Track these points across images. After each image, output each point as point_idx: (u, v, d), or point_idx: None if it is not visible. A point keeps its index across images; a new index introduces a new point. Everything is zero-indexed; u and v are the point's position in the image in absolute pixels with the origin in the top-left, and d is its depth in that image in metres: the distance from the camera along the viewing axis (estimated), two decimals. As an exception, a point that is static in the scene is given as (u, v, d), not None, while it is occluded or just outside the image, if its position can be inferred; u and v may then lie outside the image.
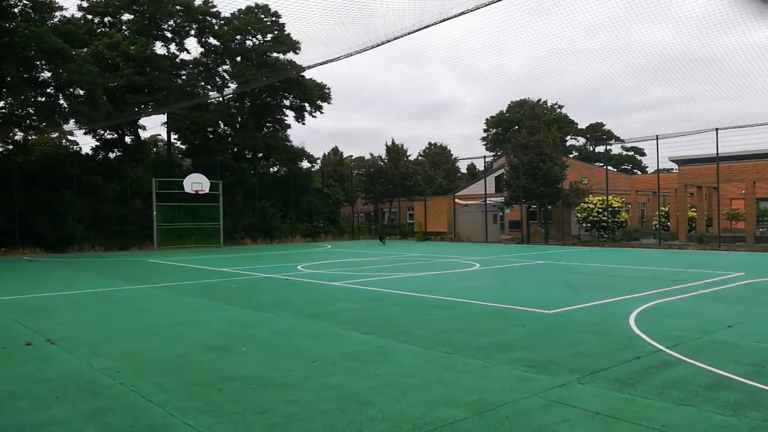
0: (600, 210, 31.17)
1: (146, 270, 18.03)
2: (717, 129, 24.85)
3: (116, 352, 6.68)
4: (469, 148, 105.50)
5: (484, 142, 69.27)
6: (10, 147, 29.09)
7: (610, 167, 42.54)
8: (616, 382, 5.25)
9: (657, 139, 26.91)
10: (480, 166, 51.90)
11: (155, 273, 17.01)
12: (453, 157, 64.84)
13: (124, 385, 5.31)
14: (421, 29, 14.55)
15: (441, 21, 13.87)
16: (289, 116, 37.75)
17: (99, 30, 32.05)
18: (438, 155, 66.66)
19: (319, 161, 46.32)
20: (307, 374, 5.62)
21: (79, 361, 6.25)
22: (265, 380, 5.44)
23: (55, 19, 28.15)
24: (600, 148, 55.22)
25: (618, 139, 52.62)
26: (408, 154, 52.83)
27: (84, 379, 5.58)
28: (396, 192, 41.58)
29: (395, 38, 15.73)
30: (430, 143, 72.59)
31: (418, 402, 4.75)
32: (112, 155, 33.14)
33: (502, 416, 4.40)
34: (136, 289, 12.95)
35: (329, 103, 37.03)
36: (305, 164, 40.18)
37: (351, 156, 68.47)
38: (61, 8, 27.77)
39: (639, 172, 64.17)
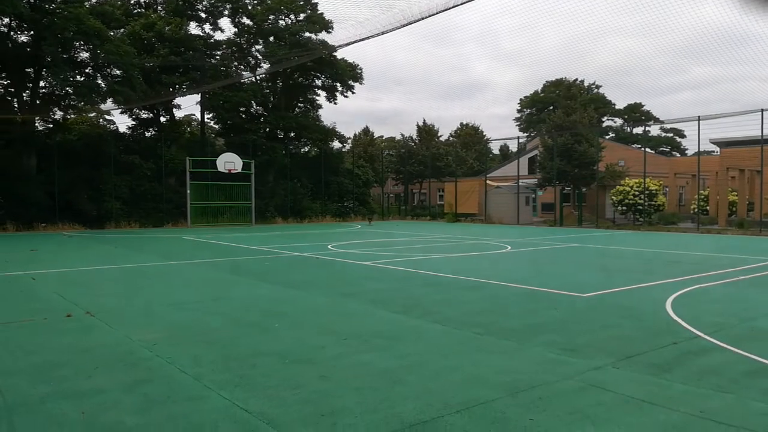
0: (636, 193, 30.45)
1: (180, 247, 18.41)
2: (762, 110, 23.93)
3: (152, 326, 6.84)
4: (502, 129, 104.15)
5: (518, 123, 68.29)
6: (51, 126, 29.87)
7: (648, 149, 41.45)
8: (653, 366, 5.15)
9: (699, 119, 26.05)
10: (513, 147, 51.21)
11: (189, 250, 17.35)
12: (485, 138, 64.04)
13: (161, 357, 5.44)
14: (455, 6, 14.28)
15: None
16: (321, 96, 37.82)
17: (135, 11, 32.46)
18: (470, 136, 65.95)
19: (349, 141, 46.38)
20: (338, 351, 5.66)
21: (118, 333, 6.43)
22: (298, 356, 5.50)
23: (93, 0, 28.63)
24: (638, 130, 53.83)
25: (657, 120, 51.07)
26: (439, 134, 52.42)
27: (123, 350, 5.73)
28: (426, 173, 41.38)
29: (429, 15, 15.50)
30: (462, 124, 71.83)
31: (450, 381, 4.75)
32: (147, 134, 33.78)
33: (536, 397, 4.36)
34: (171, 264, 13.23)
35: (361, 83, 36.90)
36: (336, 144, 40.31)
37: (382, 136, 68.32)
38: (98, -11, 28.21)
39: (678, 155, 62.41)
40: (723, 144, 32.00)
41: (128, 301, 8.58)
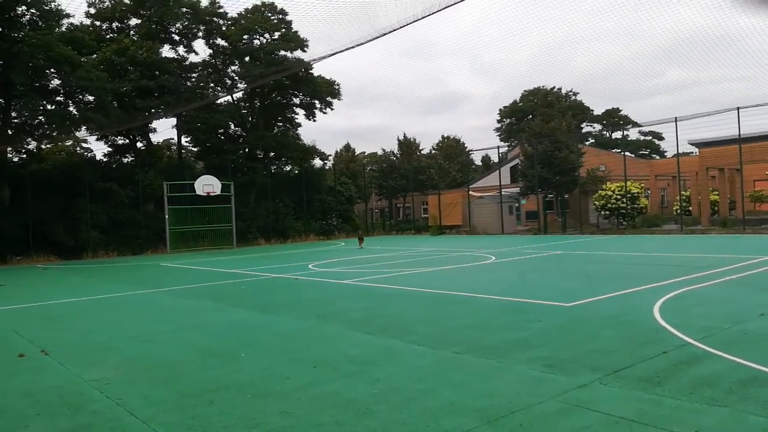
0: (618, 197, 30.40)
1: (156, 274, 17.86)
2: (738, 108, 24.03)
3: (111, 362, 6.38)
4: (483, 140, 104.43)
5: (498, 133, 68.50)
6: (24, 156, 29.22)
7: (627, 153, 41.64)
8: (642, 380, 4.80)
9: (676, 121, 26.14)
10: (494, 157, 51.26)
11: (165, 277, 16.81)
12: (467, 150, 64.10)
13: (111, 399, 4.99)
14: (426, 17, 14.12)
15: (446, 7, 13.43)
16: (300, 114, 37.52)
17: (108, 36, 32.03)
18: (452, 148, 65.98)
19: (330, 158, 46.04)
20: (306, 381, 5.25)
21: (70, 373, 5.96)
22: (261, 389, 5.08)
23: (63, 27, 28.17)
24: (617, 134, 54.14)
25: (635, 124, 51.29)
26: (421, 148, 52.27)
27: (70, 392, 5.27)
28: (409, 187, 41.12)
29: (401, 27, 15.33)
30: (443, 136, 71.91)
31: (422, 410, 4.35)
32: (125, 161, 33.19)
33: (516, 424, 3.98)
34: (144, 293, 12.71)
35: (339, 99, 36.66)
36: (317, 162, 39.94)
37: (363, 152, 68.11)
38: (68, 15, 27.70)
39: (657, 157, 62.87)
40: (701, 144, 32.11)
41: (89, 336, 8.09)
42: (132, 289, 13.63)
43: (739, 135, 24.46)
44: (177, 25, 32.71)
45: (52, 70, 25.83)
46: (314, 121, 37.22)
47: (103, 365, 6.22)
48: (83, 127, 28.19)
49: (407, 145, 48.13)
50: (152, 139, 34.61)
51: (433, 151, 64.46)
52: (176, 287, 13.66)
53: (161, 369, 5.96)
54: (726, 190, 31.65)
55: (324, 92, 35.45)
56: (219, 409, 4.60)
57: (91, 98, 27.29)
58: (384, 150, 49.74)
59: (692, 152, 35.34)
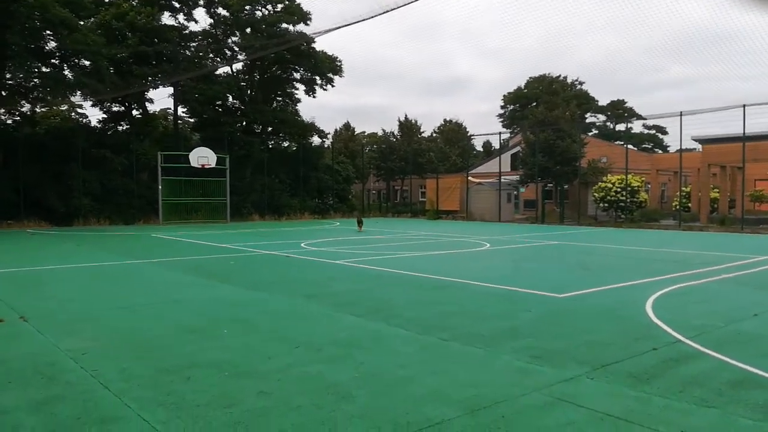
0: (618, 189, 30.22)
1: (147, 244, 17.69)
2: (744, 105, 23.79)
3: (90, 332, 6.23)
4: (485, 125, 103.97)
5: (501, 119, 68.01)
6: (18, 119, 28.82)
7: (630, 146, 41.40)
8: (630, 377, 4.68)
9: (681, 115, 25.87)
10: (495, 143, 50.97)
11: (155, 248, 16.64)
12: (468, 134, 63.67)
13: (86, 370, 4.85)
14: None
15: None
16: (300, 90, 37.03)
17: (106, 0, 31.41)
18: (453, 132, 65.54)
19: (329, 136, 45.66)
20: (287, 362, 5.11)
21: (47, 341, 5.81)
22: (241, 367, 4.95)
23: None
24: (621, 126, 53.74)
25: (639, 117, 50.91)
26: (422, 130, 51.88)
27: (45, 361, 5.12)
28: (408, 169, 40.84)
29: (406, 4, 15.02)
30: (445, 120, 71.40)
31: (404, 397, 4.22)
32: (119, 128, 32.80)
33: (498, 416, 3.85)
34: (131, 264, 12.54)
35: (341, 76, 36.16)
36: (316, 140, 39.51)
37: (363, 132, 67.62)
38: (67, -23, 27.17)
39: (660, 152, 62.62)
40: (704, 141, 31.86)
41: (71, 304, 7.93)
42: (120, 258, 13.46)
43: (744, 132, 24.24)
44: (178, -8, 32.09)
45: (48, 31, 25.35)
46: (314, 97, 36.86)
47: (81, 335, 6.07)
48: (78, 92, 27.79)
49: (408, 127, 47.76)
50: (148, 108, 34.22)
51: (434, 135, 64.07)
52: (165, 259, 13.50)
53: (141, 342, 5.82)
54: (727, 187, 31.49)
55: (326, 68, 34.96)
56: (195, 386, 4.46)
57: (86, 63, 26.84)
58: (384, 131, 49.41)
59: (695, 148, 35.13)
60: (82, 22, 26.87)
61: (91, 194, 27.33)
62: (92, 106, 31.63)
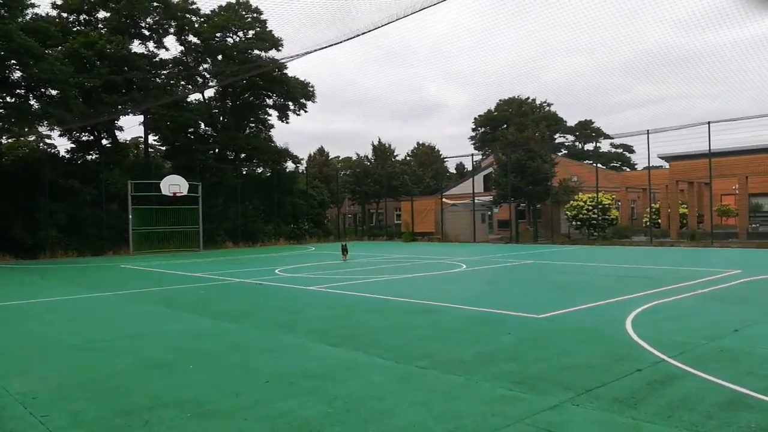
0: (590, 207, 30.53)
1: (114, 276, 17.10)
2: (709, 122, 24.33)
3: (43, 372, 5.82)
4: (457, 147, 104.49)
5: (473, 141, 68.63)
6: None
7: (599, 164, 42.05)
8: (616, 401, 4.48)
9: (648, 133, 26.35)
10: (468, 165, 51.32)
11: (122, 279, 16.07)
12: (441, 157, 64.08)
13: (35, 416, 4.46)
14: (401, 18, 13.83)
15: (420, 10, 13.16)
16: (273, 116, 36.77)
17: (75, 28, 30.97)
18: (426, 155, 65.94)
19: (303, 161, 45.45)
20: (256, 398, 4.79)
21: (-5, 385, 5.38)
22: (206, 406, 4.61)
23: (27, 17, 27.09)
24: (589, 146, 54.74)
25: (607, 136, 52.00)
26: (395, 154, 51.99)
27: (-10, 408, 4.72)
28: (383, 192, 40.76)
29: (376, 28, 15.01)
30: (418, 143, 71.90)
31: (380, 433, 3.95)
32: (88, 158, 32.07)
33: (481, 451, 3.61)
34: (96, 297, 12.03)
35: (313, 102, 36.09)
36: (290, 165, 39.22)
37: (338, 156, 67.61)
38: (33, 5, 26.72)
39: (628, 170, 63.78)
40: (671, 158, 32.53)
41: (24, 342, 7.47)
42: (84, 291, 12.92)
43: (710, 149, 24.75)
44: (147, 20, 31.80)
45: (12, 61, 24.78)
46: (287, 122, 36.65)
47: (33, 376, 5.66)
48: (45, 122, 27.14)
49: (382, 151, 47.77)
50: (118, 137, 33.57)
51: (408, 158, 64.36)
52: (132, 291, 12.99)
53: (98, 382, 5.43)
54: (695, 203, 32.08)
55: (298, 93, 34.86)
56: (153, 430, 4.12)
57: (53, 92, 26.27)
58: (358, 155, 49.38)
59: (662, 165, 35.83)
60: (48, 51, 26.38)
61: (58, 226, 26.51)
62: (60, 135, 30.94)
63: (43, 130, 29.38)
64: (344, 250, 20.73)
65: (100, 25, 31.35)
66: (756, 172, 27.82)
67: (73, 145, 31.72)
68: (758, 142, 25.86)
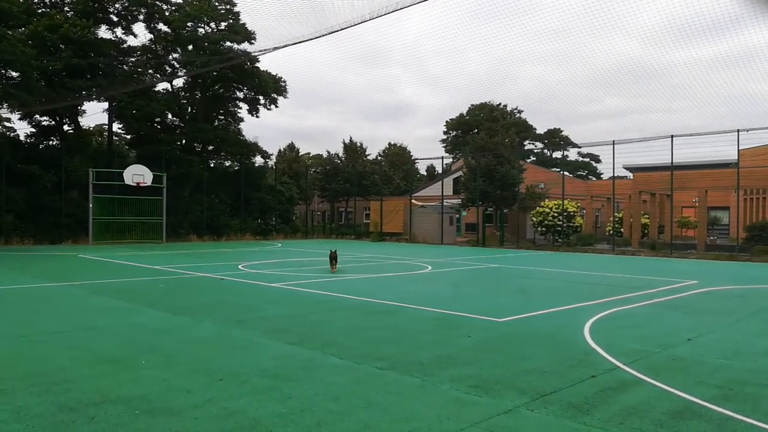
0: (555, 214, 31.02)
1: (71, 266, 16.60)
2: (672, 136, 24.96)
3: (-14, 365, 5.57)
4: (429, 150, 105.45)
5: (444, 144, 69.13)
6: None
7: (566, 172, 42.77)
8: (570, 407, 4.51)
9: (614, 144, 26.93)
10: (438, 167, 51.61)
11: (79, 269, 15.61)
12: (412, 158, 64.30)
13: (-28, 411, 4.26)
14: (375, 18, 13.79)
15: (394, 11, 13.14)
16: (243, 109, 36.31)
17: (39, 10, 29.97)
18: (397, 155, 66.08)
19: (273, 157, 44.96)
20: (207, 396, 4.68)
21: (-69, 377, 5.13)
22: (155, 404, 4.47)
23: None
24: (557, 154, 55.72)
25: (575, 145, 53.10)
26: (367, 153, 52.02)
27: (-76, 401, 4.48)
28: (352, 191, 40.66)
29: (351, 26, 14.93)
30: (389, 143, 72.02)
31: (333, 435, 3.89)
32: (50, 143, 31.09)
33: (433, 455, 3.58)
34: (49, 287, 11.64)
35: (285, 97, 35.74)
36: (259, 160, 38.76)
37: (308, 153, 67.17)
38: (-4, -15, 25.78)
39: (594, 179, 65.09)
40: (635, 169, 33.37)
41: (-30, 332, 7.16)
42: (38, 281, 12.49)
43: (672, 162, 25.41)
44: (116, 5, 31.04)
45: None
46: (257, 117, 36.24)
47: (-25, 369, 5.41)
48: (5, 104, 26.24)
49: (353, 149, 47.77)
50: (81, 123, 32.66)
51: (379, 158, 64.39)
52: (88, 282, 12.62)
53: (44, 376, 5.22)
54: (656, 214, 32.91)
55: (269, 88, 34.47)
56: (98, 427, 3.97)
57: (14, 74, 25.41)
58: (329, 152, 49.16)
59: (627, 176, 36.66)
60: (10, 32, 25.49)
61: (15, 212, 25.65)
62: (20, 119, 29.94)
63: (2, 112, 28.45)
64: (333, 259, 15.64)
65: (66, 9, 30.44)
66: (715, 186, 28.71)
67: (33, 130, 30.78)
68: (718, 157, 26.66)
